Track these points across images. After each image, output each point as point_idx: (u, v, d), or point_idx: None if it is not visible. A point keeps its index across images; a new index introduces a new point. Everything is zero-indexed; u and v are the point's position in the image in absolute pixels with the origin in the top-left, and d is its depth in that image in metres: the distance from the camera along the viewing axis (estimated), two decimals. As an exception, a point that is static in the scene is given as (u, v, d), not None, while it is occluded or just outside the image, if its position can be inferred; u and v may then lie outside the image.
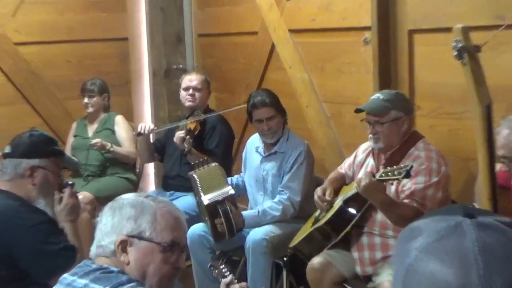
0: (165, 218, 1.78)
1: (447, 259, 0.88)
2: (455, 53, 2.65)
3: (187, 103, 4.39)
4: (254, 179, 3.85)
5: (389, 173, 2.74)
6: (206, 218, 3.68)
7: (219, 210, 3.56)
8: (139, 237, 1.74)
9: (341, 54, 4.02)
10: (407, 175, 2.67)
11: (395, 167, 2.77)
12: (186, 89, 4.40)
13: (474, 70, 2.64)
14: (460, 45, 2.62)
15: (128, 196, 1.84)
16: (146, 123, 4.43)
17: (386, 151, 3.12)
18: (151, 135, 4.47)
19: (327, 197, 3.29)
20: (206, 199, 3.61)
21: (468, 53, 2.61)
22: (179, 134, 4.09)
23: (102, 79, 4.94)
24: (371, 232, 3.10)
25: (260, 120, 3.71)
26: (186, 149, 3.98)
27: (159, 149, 4.52)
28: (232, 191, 3.66)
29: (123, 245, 1.74)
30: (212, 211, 3.60)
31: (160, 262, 1.75)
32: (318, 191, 3.34)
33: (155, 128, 4.41)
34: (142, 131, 4.27)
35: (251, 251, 3.55)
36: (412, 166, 2.70)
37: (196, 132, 4.18)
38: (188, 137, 4.03)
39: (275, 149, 3.76)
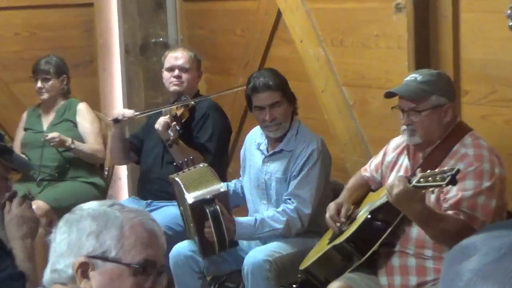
0: (135, 232, 1.76)
1: (509, 284, 0.88)
2: (511, 22, 2.65)
3: (172, 87, 4.39)
4: (255, 184, 3.85)
5: (429, 178, 2.73)
6: (192, 224, 3.65)
7: (207, 211, 3.54)
8: (103, 257, 1.73)
9: (366, 24, 4.01)
10: (453, 182, 2.66)
11: (437, 170, 2.76)
12: (171, 69, 4.40)
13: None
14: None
15: (88, 206, 1.82)
16: (123, 109, 4.38)
17: (424, 148, 3.12)
18: (126, 128, 4.45)
19: (342, 218, 3.32)
20: (190, 197, 3.58)
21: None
22: (163, 119, 4.09)
23: (60, 57, 4.93)
24: (404, 251, 3.11)
25: (261, 107, 3.70)
26: (171, 138, 3.97)
27: (136, 146, 4.52)
28: (224, 189, 3.65)
29: (84, 269, 1.73)
30: (197, 214, 3.57)
31: None
32: (331, 208, 3.37)
33: (137, 113, 4.39)
34: (120, 118, 4.26)
35: (250, 276, 3.54)
36: (459, 170, 2.69)
37: (184, 120, 4.18)
38: (174, 123, 4.04)
39: (281, 146, 3.75)
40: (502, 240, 0.95)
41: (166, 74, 4.43)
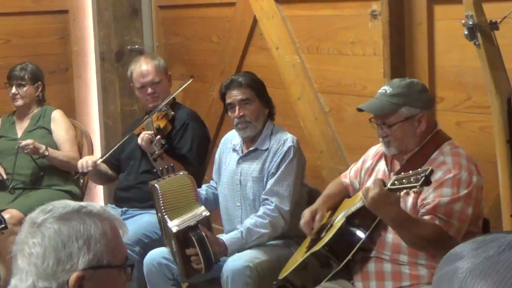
0: (114, 232, 1.76)
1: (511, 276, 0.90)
2: (466, 32, 2.64)
3: (150, 104, 4.33)
4: (229, 185, 3.84)
5: (404, 180, 2.74)
6: (174, 248, 3.63)
7: (193, 238, 3.52)
8: (97, 267, 1.71)
9: (342, 31, 4.02)
10: (426, 182, 2.67)
11: (410, 172, 2.77)
12: (142, 88, 4.34)
13: (490, 54, 2.64)
14: (471, 22, 2.61)
15: (59, 224, 1.73)
16: (85, 158, 4.28)
17: (402, 156, 3.12)
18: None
19: (316, 223, 3.32)
20: (173, 225, 3.56)
21: (482, 32, 2.60)
22: (145, 134, 4.04)
23: (35, 64, 4.90)
24: (380, 257, 3.10)
25: (232, 104, 3.71)
26: (156, 153, 3.93)
27: (114, 164, 4.49)
28: (206, 213, 3.63)
29: (80, 283, 1.69)
30: (182, 240, 3.56)
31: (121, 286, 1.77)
32: (306, 214, 3.37)
33: (101, 157, 4.32)
34: (85, 170, 4.19)
35: (230, 283, 3.51)
36: (432, 170, 2.70)
37: (166, 132, 4.15)
38: (158, 137, 4.00)
39: (256, 145, 3.75)
40: (497, 241, 0.96)
41: (139, 94, 4.37)
